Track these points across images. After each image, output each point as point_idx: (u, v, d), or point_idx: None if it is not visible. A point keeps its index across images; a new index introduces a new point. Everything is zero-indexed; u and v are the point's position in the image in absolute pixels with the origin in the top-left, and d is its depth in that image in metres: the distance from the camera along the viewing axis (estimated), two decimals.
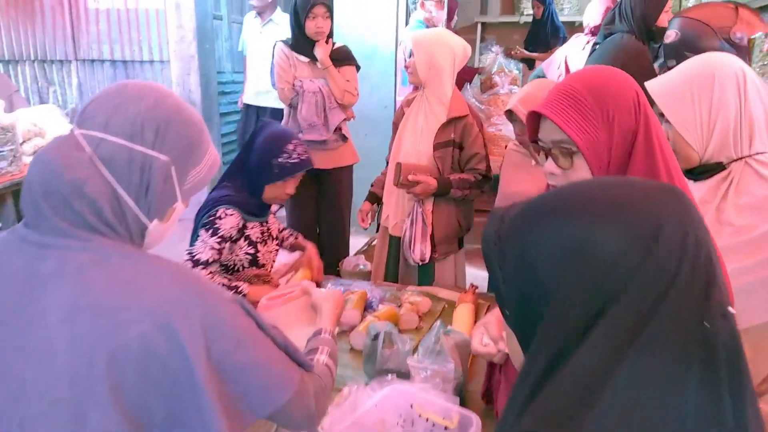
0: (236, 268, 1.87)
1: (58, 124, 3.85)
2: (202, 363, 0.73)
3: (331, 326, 1.17)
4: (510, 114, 2.09)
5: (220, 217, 1.79)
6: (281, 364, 0.85)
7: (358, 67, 3.14)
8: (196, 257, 1.76)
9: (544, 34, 5.50)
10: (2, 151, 3.29)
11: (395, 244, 2.55)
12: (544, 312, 0.59)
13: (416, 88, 2.57)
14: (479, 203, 2.97)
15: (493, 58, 5.47)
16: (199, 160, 0.87)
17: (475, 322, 1.96)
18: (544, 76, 3.63)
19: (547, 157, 1.05)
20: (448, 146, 2.36)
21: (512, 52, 5.50)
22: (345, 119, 3.12)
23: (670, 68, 2.35)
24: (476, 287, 2.20)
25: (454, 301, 2.15)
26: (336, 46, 3.06)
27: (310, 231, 3.32)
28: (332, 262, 3.28)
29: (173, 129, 0.82)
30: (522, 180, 2.20)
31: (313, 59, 2.96)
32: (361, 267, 3.23)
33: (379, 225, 2.68)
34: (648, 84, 1.29)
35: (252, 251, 1.88)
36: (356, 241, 4.13)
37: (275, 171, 1.77)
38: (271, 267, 1.97)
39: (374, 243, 2.88)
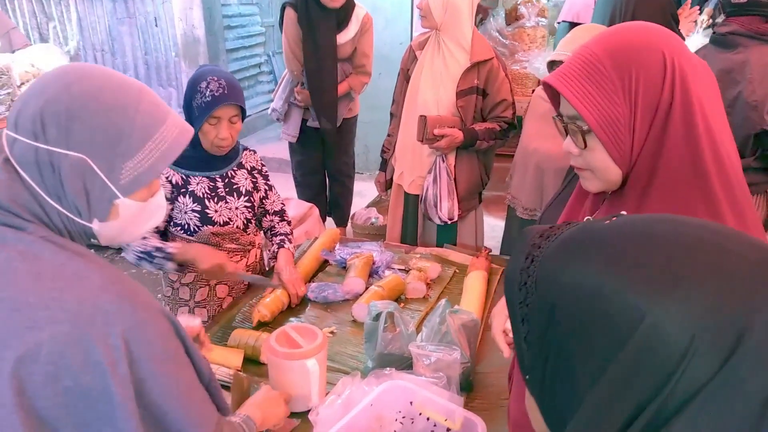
0: (190, 228, 1.73)
1: (57, 63, 3.68)
2: (121, 379, 0.69)
3: (259, 422, 1.05)
4: (552, 65, 1.86)
5: None
6: (203, 401, 0.81)
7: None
8: None
9: None
10: None
11: (412, 202, 2.39)
12: (573, 395, 0.46)
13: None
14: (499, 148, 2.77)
15: None
16: (136, 149, 0.76)
17: (488, 290, 1.84)
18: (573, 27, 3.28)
19: (567, 134, 0.90)
20: (471, 93, 2.17)
21: None
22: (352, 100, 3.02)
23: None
24: (489, 250, 2.06)
25: (465, 266, 2.02)
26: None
27: (318, 176, 3.22)
28: (342, 208, 3.21)
29: (80, 121, 0.73)
30: (546, 136, 2.00)
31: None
32: (374, 220, 3.12)
33: (390, 181, 2.52)
34: None
35: (198, 208, 1.71)
36: (370, 190, 3.99)
37: (195, 114, 1.62)
38: (243, 223, 1.80)
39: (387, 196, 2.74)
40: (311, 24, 2.69)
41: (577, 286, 0.46)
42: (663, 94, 0.80)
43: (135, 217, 0.81)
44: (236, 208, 1.78)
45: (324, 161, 3.19)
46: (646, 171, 0.85)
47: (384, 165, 2.54)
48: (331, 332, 1.65)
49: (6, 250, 0.71)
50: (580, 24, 3.26)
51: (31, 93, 0.75)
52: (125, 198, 0.77)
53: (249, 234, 1.84)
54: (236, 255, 1.80)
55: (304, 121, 2.98)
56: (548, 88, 0.88)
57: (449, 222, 2.28)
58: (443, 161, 2.23)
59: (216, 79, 1.61)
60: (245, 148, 1.86)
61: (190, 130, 0.84)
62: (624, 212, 0.58)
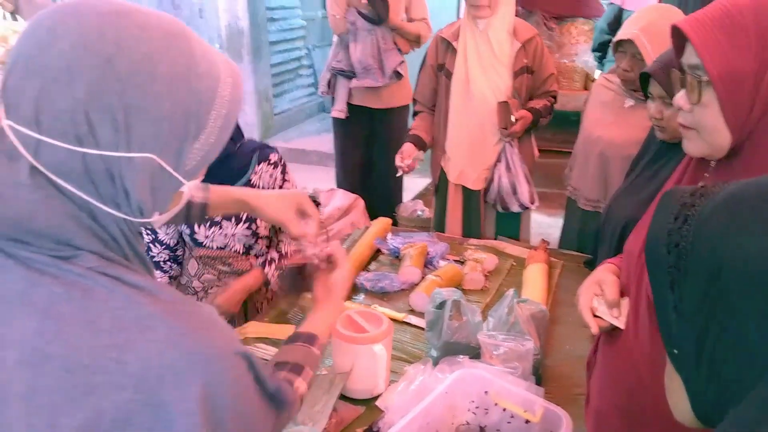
0: (170, 247, 1.62)
1: None
2: None
3: (324, 337, 0.95)
4: (618, 45, 1.77)
5: None
6: (262, 422, 0.70)
7: None
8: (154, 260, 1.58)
9: None
10: None
11: (475, 197, 2.32)
12: (747, 372, 0.40)
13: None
14: (543, 143, 2.68)
15: None
16: (202, 126, 0.61)
17: (549, 284, 1.77)
18: (618, 15, 3.22)
19: (682, 87, 0.84)
20: (523, 73, 2.18)
21: None
22: (403, 61, 2.89)
23: None
24: (547, 243, 1.99)
25: (522, 258, 1.96)
26: None
27: (357, 173, 3.15)
28: (386, 206, 3.13)
29: (143, 114, 0.56)
30: (609, 123, 1.91)
31: None
32: (419, 213, 3.05)
33: (439, 181, 2.41)
34: None
35: (188, 231, 1.58)
36: (412, 183, 3.93)
37: None
38: (243, 248, 1.62)
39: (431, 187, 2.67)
40: None
41: (756, 247, 0.41)
42: None
43: (189, 193, 0.67)
44: (233, 235, 1.58)
45: (370, 160, 3.09)
46: None
47: (414, 138, 2.28)
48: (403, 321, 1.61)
49: (46, 284, 0.55)
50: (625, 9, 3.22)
51: (50, 75, 0.53)
52: (189, 182, 0.64)
53: (249, 258, 1.64)
54: (231, 278, 1.62)
55: (349, 100, 2.93)
56: (675, 36, 0.83)
57: (531, 206, 2.26)
58: (512, 147, 2.20)
59: None
60: (261, 160, 1.56)
61: (238, 72, 0.66)
62: None
